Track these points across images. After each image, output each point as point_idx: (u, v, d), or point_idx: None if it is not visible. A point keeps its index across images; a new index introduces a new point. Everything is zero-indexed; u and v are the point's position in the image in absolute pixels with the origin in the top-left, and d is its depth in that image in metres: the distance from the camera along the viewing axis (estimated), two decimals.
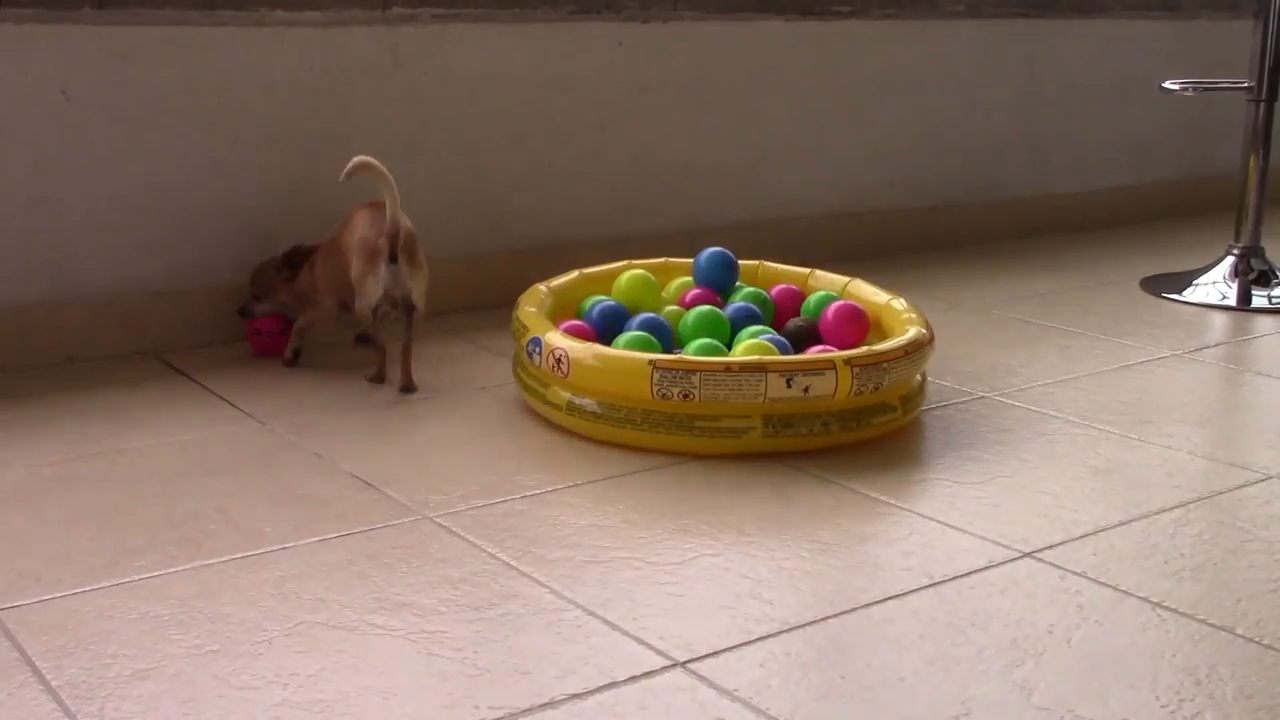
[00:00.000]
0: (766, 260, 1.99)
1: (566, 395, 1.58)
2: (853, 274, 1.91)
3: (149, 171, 1.88)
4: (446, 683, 1.04)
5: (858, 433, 1.57)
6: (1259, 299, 2.32)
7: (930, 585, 1.22)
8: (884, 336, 1.72)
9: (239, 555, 1.26)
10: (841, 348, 1.64)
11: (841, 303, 1.76)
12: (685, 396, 1.51)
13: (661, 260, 1.97)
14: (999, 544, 1.31)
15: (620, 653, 1.09)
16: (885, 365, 1.55)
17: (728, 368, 1.51)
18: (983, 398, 1.76)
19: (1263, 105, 2.36)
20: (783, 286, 1.89)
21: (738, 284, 1.89)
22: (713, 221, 2.42)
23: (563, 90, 2.21)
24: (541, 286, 1.81)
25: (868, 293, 1.84)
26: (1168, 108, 3.09)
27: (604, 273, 1.90)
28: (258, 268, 1.90)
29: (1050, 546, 1.31)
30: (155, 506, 1.36)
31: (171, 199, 1.90)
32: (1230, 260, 2.40)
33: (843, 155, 2.59)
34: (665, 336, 1.69)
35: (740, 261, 1.91)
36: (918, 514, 1.38)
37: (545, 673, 1.06)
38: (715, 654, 1.09)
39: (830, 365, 1.52)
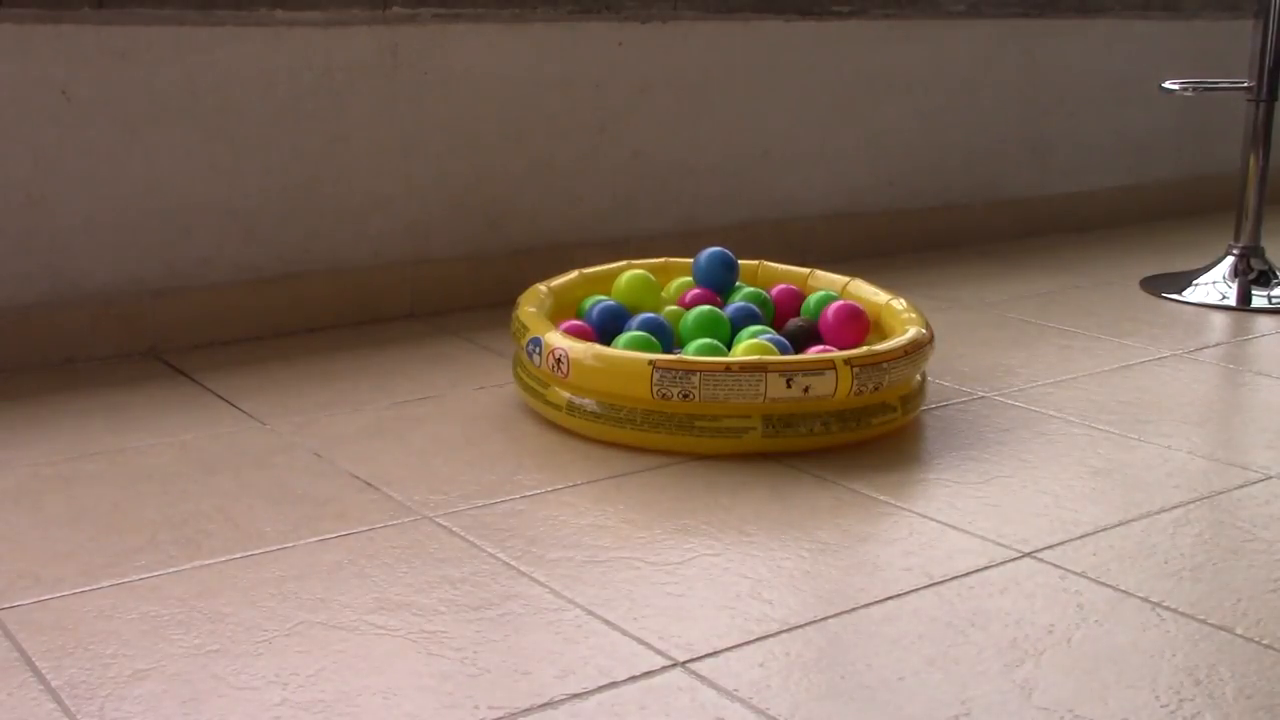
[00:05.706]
0: (766, 260, 1.99)
1: (566, 395, 1.58)
2: (853, 274, 1.91)
3: (149, 171, 1.88)
4: (446, 683, 1.04)
5: (858, 433, 1.57)
6: (1259, 299, 2.32)
7: (930, 585, 1.22)
8: (884, 336, 1.72)
9: (239, 555, 1.25)
10: (841, 348, 1.64)
11: (841, 303, 1.76)
12: (685, 396, 1.51)
13: (661, 260, 1.97)
14: (999, 544, 1.31)
15: (620, 653, 1.09)
16: (885, 365, 1.55)
17: (728, 368, 1.51)
18: (983, 398, 1.76)
19: (1263, 105, 2.36)
20: (783, 286, 1.89)
21: (738, 284, 1.89)
22: (713, 221, 2.42)
23: (563, 90, 2.21)
24: (541, 286, 1.81)
25: (868, 293, 1.84)
26: (1168, 108, 3.09)
27: (604, 273, 1.90)
28: None
29: (1050, 546, 1.31)
30: (155, 506, 1.36)
31: (171, 199, 1.90)
32: (1230, 260, 2.40)
33: (843, 155, 2.59)
34: (665, 336, 1.69)
35: (740, 261, 1.91)
36: (918, 514, 1.38)
37: (545, 673, 1.06)
38: (715, 654, 1.09)
39: (830, 365, 1.52)
